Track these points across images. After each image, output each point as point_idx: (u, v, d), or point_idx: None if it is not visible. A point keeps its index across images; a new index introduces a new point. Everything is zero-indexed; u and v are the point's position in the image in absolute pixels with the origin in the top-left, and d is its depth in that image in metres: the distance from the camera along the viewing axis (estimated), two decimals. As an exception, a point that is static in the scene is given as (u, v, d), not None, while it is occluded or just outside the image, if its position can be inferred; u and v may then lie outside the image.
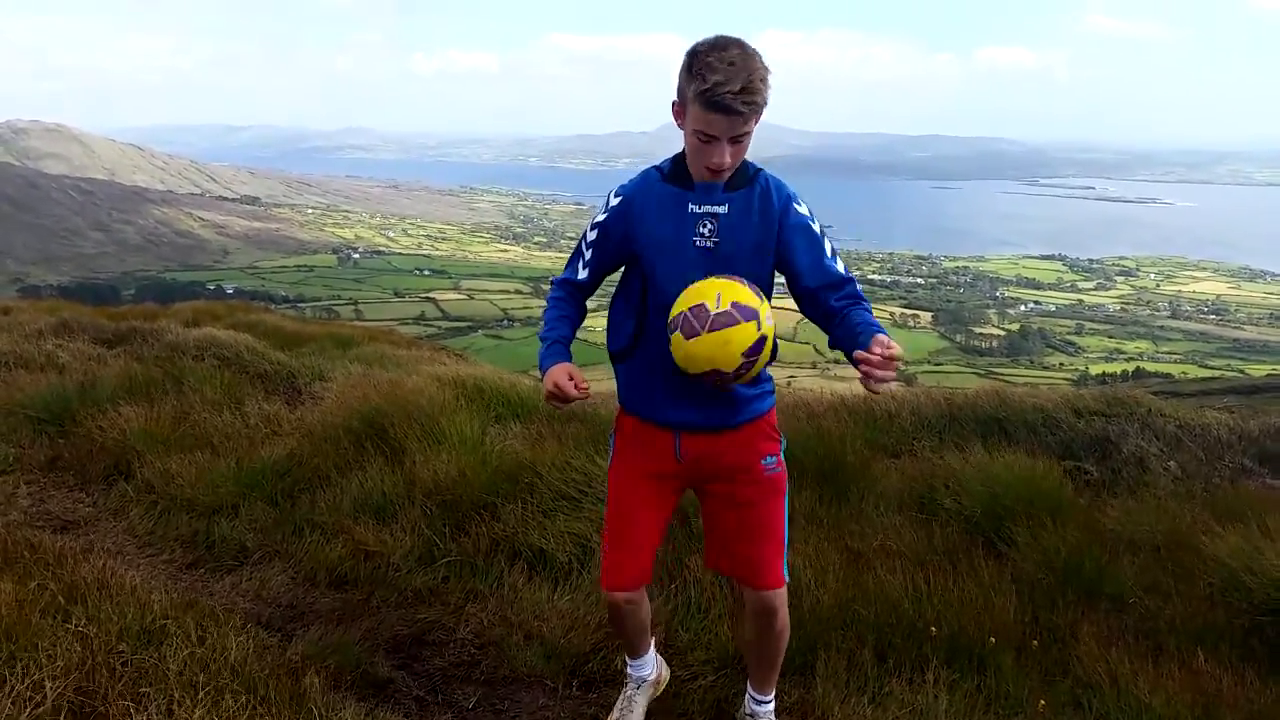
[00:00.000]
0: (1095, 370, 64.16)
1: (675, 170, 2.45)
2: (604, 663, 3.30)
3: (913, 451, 5.49)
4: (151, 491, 4.98)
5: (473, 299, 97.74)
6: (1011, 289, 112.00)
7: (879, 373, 2.13)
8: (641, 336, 2.51)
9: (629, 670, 2.96)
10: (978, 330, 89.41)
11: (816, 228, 2.46)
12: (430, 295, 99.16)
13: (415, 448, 4.83)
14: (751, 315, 2.22)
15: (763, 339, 2.24)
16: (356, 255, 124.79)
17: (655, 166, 2.52)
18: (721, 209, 2.39)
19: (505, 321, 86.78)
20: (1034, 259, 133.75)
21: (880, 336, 2.19)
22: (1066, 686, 3.16)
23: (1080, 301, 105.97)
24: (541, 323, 2.64)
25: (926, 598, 3.47)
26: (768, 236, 2.41)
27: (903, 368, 2.46)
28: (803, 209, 2.45)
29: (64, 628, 2.76)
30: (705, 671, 3.23)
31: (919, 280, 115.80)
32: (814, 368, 68.57)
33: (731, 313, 2.20)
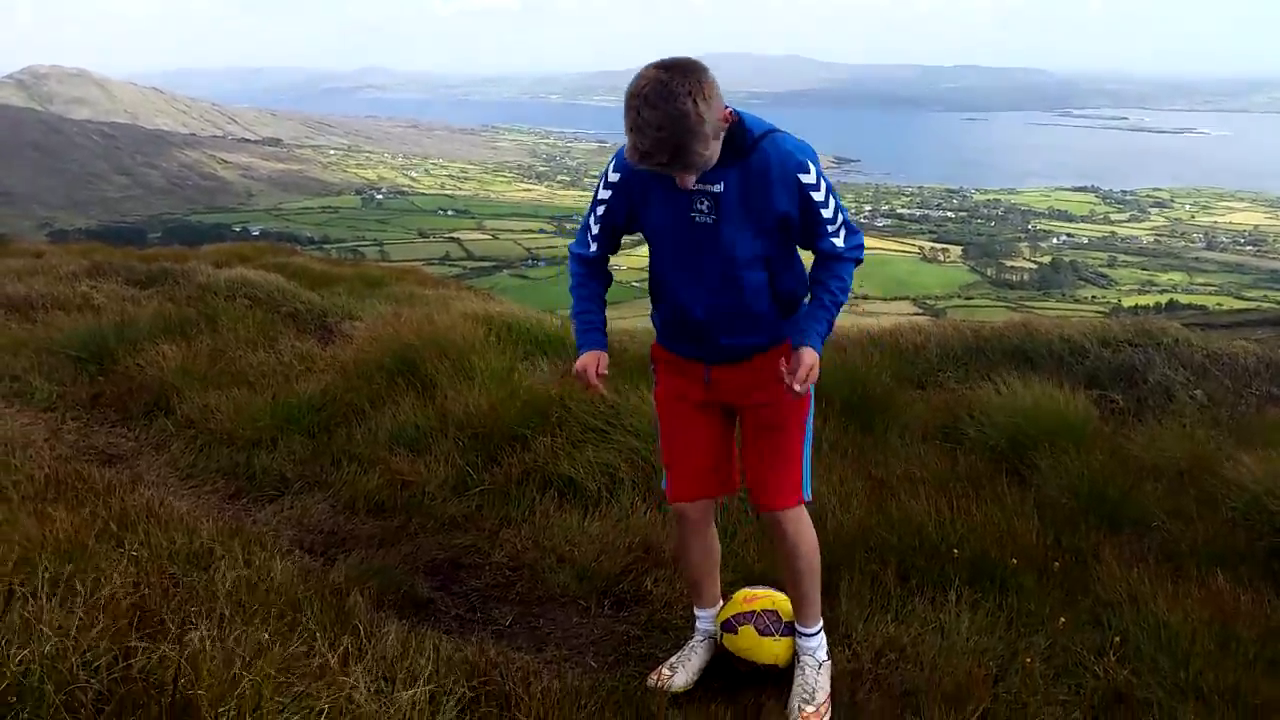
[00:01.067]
0: (1128, 303, 63.32)
1: None
2: (634, 584, 3.42)
3: (939, 383, 5.53)
4: (191, 426, 5.12)
5: (497, 239, 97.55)
6: (1043, 222, 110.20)
7: (795, 385, 2.39)
8: (659, 292, 2.62)
9: (696, 621, 2.98)
10: (1008, 264, 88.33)
11: (820, 194, 2.41)
12: (454, 235, 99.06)
13: (446, 383, 4.93)
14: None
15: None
16: (380, 196, 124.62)
17: None
18: (717, 187, 2.37)
19: (530, 261, 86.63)
20: (1066, 191, 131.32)
21: (802, 354, 2.42)
22: (1087, 605, 3.23)
23: (1113, 234, 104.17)
24: (571, 297, 2.74)
25: (949, 522, 3.54)
26: (772, 207, 2.39)
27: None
28: (808, 176, 2.38)
29: (117, 551, 2.89)
30: (730, 592, 3.32)
31: (949, 214, 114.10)
32: (841, 304, 68.24)
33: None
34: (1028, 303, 69.65)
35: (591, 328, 2.67)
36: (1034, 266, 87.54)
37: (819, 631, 2.81)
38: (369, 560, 3.52)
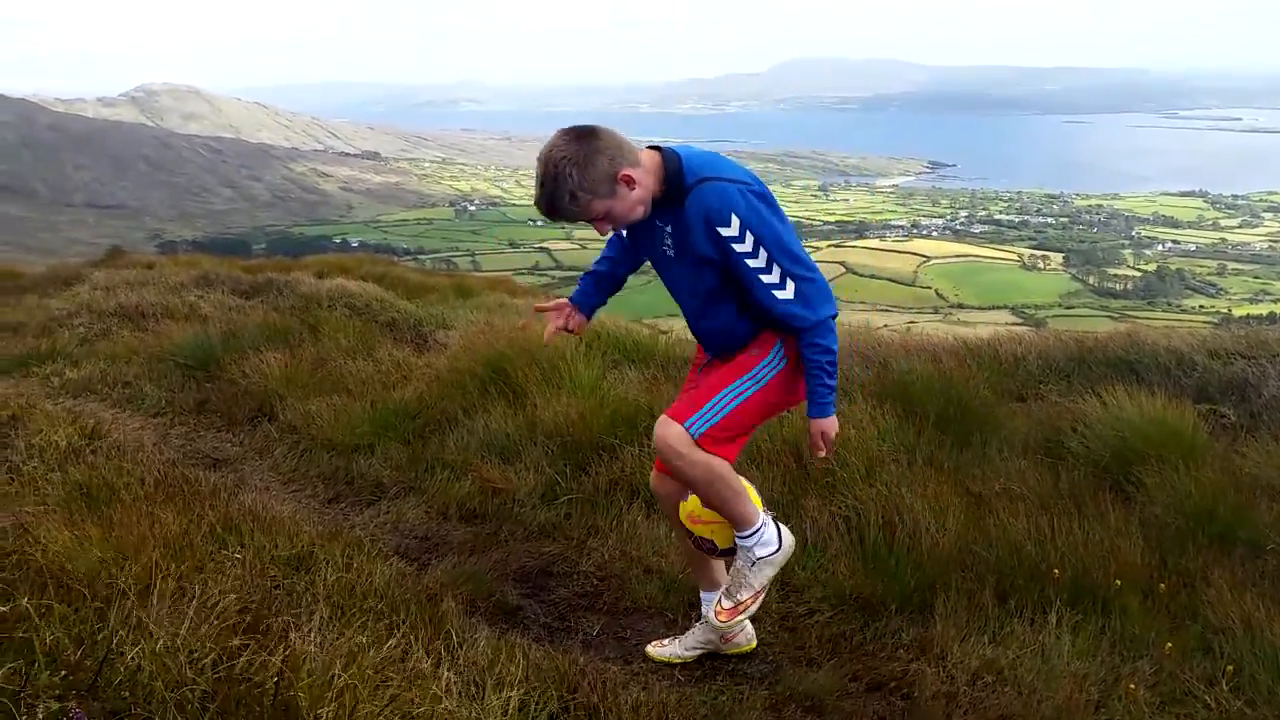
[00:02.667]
0: (1239, 312, 60.44)
1: None
2: (722, 597, 3.39)
3: (1039, 395, 5.36)
4: (293, 432, 5.29)
5: (585, 248, 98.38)
6: (1148, 228, 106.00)
7: (819, 456, 2.73)
8: None
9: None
10: (1111, 272, 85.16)
11: (745, 246, 2.49)
12: (544, 245, 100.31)
13: (536, 391, 4.99)
14: None
15: None
16: (473, 207, 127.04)
17: None
18: (667, 226, 2.62)
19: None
20: (1172, 196, 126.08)
21: (811, 428, 2.68)
22: (1196, 631, 3.09)
23: (1223, 240, 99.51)
24: None
25: (1050, 540, 3.43)
26: (700, 253, 2.56)
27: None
28: (728, 229, 2.48)
29: (222, 553, 3.00)
30: (822, 608, 3.28)
31: (1049, 220, 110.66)
32: (935, 312, 66.87)
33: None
34: (1131, 312, 67.05)
35: (578, 293, 3.00)
36: (1138, 274, 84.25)
37: (754, 533, 2.79)
38: (461, 566, 3.59)
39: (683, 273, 2.65)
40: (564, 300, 2.99)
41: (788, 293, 2.51)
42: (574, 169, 2.44)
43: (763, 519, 2.81)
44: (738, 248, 2.49)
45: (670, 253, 2.65)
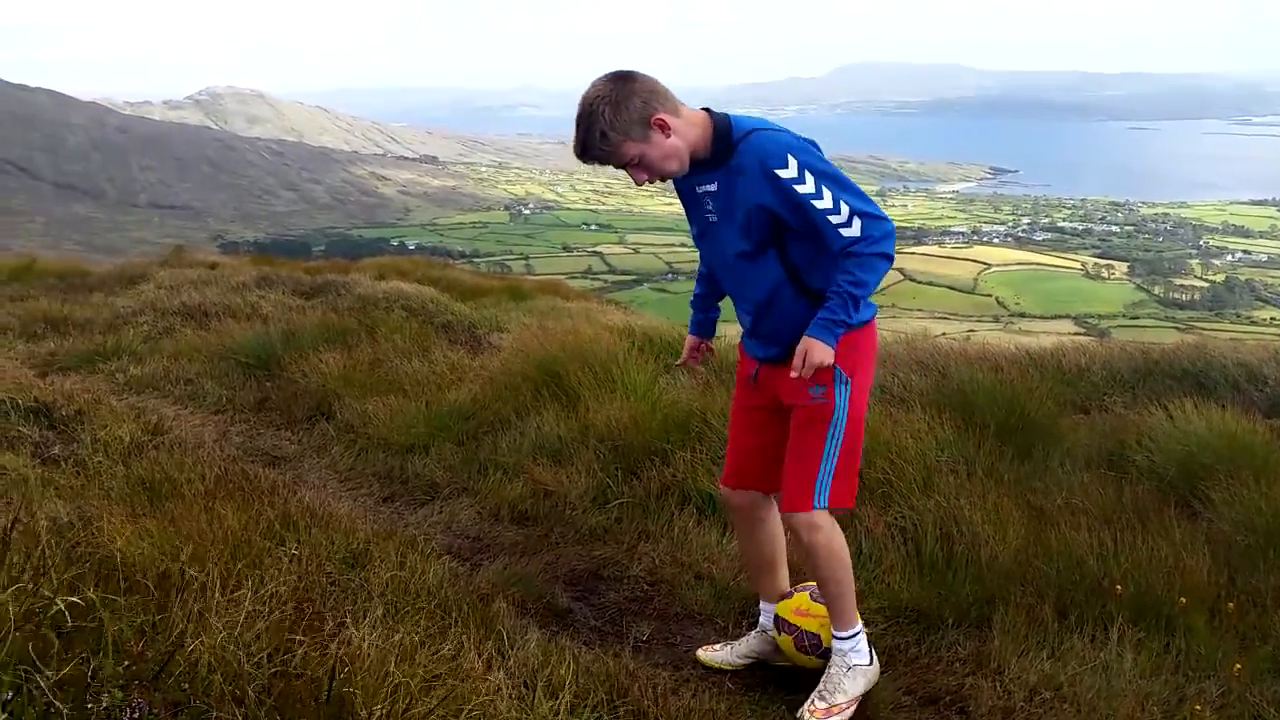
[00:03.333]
0: (1313, 325, 58.61)
1: None
2: (774, 605, 3.36)
3: (1104, 407, 5.25)
4: (350, 431, 5.37)
5: (638, 252, 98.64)
6: (1217, 237, 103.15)
7: (791, 371, 2.51)
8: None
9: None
10: (1178, 282, 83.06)
11: (807, 186, 2.43)
12: (597, 249, 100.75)
13: (589, 395, 5.00)
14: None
15: None
16: (527, 211, 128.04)
17: None
18: (712, 186, 2.58)
19: (670, 274, 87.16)
20: (1243, 205, 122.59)
21: (802, 343, 2.50)
22: (1266, 652, 2.99)
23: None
24: None
25: (1113, 555, 3.34)
26: (753, 204, 2.50)
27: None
28: (787, 171, 2.43)
29: (280, 549, 3.04)
30: (876, 620, 3.23)
31: (1113, 228, 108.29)
32: (996, 321, 65.79)
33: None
34: (1199, 324, 65.23)
35: (691, 324, 3.08)
36: (1206, 285, 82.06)
37: (853, 635, 2.77)
38: (512, 567, 3.60)
39: (728, 236, 2.60)
40: (691, 344, 3.07)
41: (854, 229, 2.43)
42: (606, 107, 2.43)
43: (860, 627, 2.80)
44: (800, 189, 2.43)
45: (713, 218, 2.62)
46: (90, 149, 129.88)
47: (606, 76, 2.49)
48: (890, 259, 2.48)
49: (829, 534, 2.69)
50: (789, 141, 2.48)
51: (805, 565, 2.84)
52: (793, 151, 2.44)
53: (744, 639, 3.07)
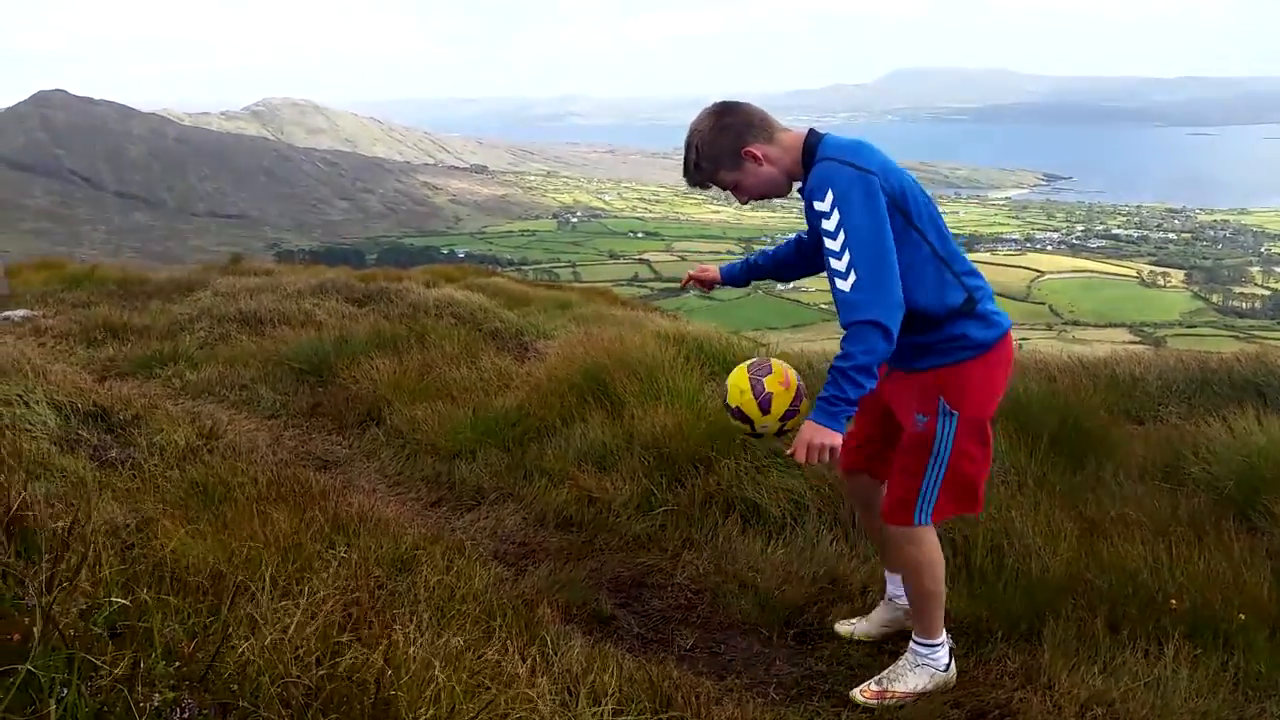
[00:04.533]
0: (1381, 335, 56.72)
1: None
2: (818, 615, 3.34)
3: (1159, 418, 5.13)
4: (400, 436, 5.43)
5: (685, 260, 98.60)
6: (1278, 245, 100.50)
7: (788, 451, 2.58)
8: None
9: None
10: (1237, 290, 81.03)
11: (829, 224, 2.46)
12: (643, 257, 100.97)
13: (634, 402, 5.00)
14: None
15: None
16: (575, 219, 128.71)
17: None
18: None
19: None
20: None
21: (805, 433, 2.50)
22: (1332, 673, 2.89)
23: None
24: None
25: (1168, 569, 3.26)
26: (813, 228, 2.63)
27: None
28: (821, 204, 2.48)
29: (330, 552, 3.08)
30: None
31: (1170, 235, 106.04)
32: (1049, 329, 64.67)
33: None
34: (1259, 333, 63.50)
35: (727, 265, 3.24)
36: (1266, 293, 79.92)
37: (935, 646, 2.86)
38: (557, 573, 3.61)
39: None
40: (707, 271, 3.26)
41: (847, 284, 2.43)
42: (700, 141, 2.63)
43: (944, 639, 2.88)
44: (824, 224, 2.47)
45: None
46: (150, 159, 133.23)
47: (709, 109, 2.67)
48: (883, 329, 2.40)
49: (925, 550, 2.78)
50: (836, 177, 2.47)
51: (901, 573, 2.94)
52: (834, 187, 2.46)
53: (876, 609, 3.21)
